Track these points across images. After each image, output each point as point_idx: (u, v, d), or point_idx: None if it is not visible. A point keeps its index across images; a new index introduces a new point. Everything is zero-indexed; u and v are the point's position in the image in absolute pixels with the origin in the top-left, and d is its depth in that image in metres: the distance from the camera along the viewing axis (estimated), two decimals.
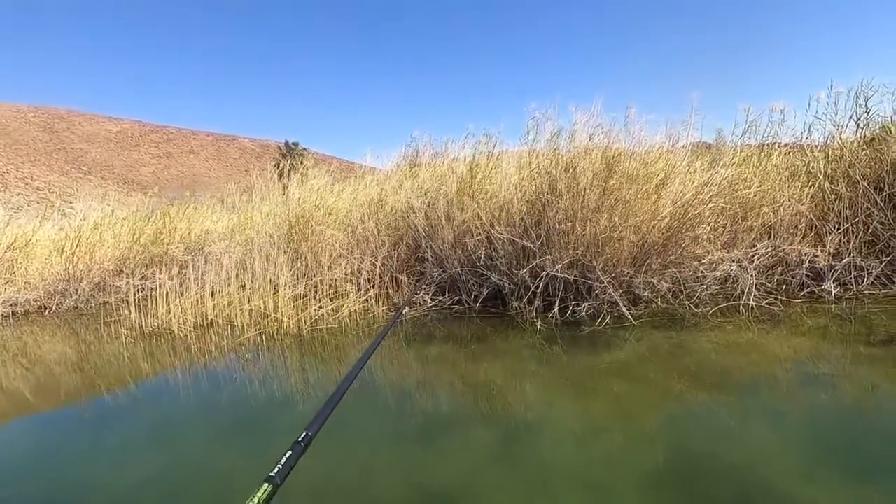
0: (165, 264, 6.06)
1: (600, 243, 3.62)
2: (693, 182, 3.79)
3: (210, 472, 1.86)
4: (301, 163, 6.07)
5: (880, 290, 3.65)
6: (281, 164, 6.54)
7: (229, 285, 4.26)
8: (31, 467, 2.04)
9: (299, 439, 0.89)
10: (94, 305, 5.87)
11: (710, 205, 3.76)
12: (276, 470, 0.80)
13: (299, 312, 3.93)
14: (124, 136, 41.66)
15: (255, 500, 0.72)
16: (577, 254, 3.64)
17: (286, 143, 28.96)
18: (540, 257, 3.69)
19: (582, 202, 3.65)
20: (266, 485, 0.76)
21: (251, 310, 4.04)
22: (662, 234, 3.63)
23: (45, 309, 5.78)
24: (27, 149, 32.37)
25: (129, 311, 4.32)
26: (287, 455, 0.83)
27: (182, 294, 4.29)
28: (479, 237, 4.13)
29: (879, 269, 3.71)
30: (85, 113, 43.39)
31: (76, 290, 5.96)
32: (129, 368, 3.40)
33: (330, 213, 4.92)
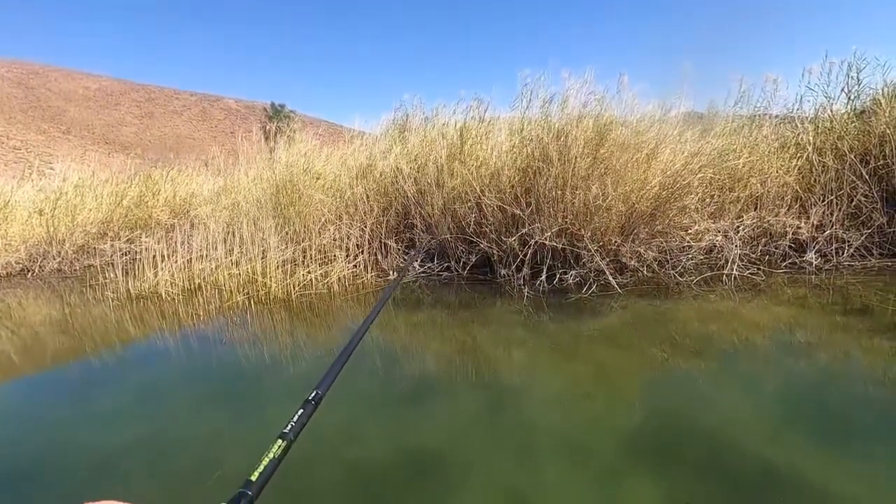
0: (151, 228, 5.98)
1: (589, 212, 3.63)
2: (683, 152, 3.79)
3: (198, 433, 1.88)
4: (288, 125, 5.93)
5: (859, 261, 3.74)
6: (267, 127, 6.40)
7: (216, 249, 4.22)
8: (18, 428, 2.05)
9: (310, 398, 0.93)
10: (79, 268, 5.80)
11: (699, 175, 3.77)
12: (290, 427, 0.84)
13: (288, 277, 3.92)
14: (104, 93, 40.22)
15: (270, 455, 0.76)
16: (566, 222, 3.65)
17: (273, 105, 28.25)
18: (529, 225, 3.69)
19: (572, 170, 3.64)
20: (280, 441, 0.80)
21: (239, 274, 4.02)
22: (651, 203, 3.65)
23: (28, 271, 5.70)
24: (1, 106, 31.16)
25: (115, 275, 4.28)
26: (299, 413, 0.88)
27: (168, 258, 4.25)
28: (468, 204, 4.12)
29: (860, 241, 3.78)
30: (61, 69, 41.68)
31: (59, 253, 5.87)
32: (116, 331, 3.39)
33: (318, 178, 4.85)
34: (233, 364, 2.64)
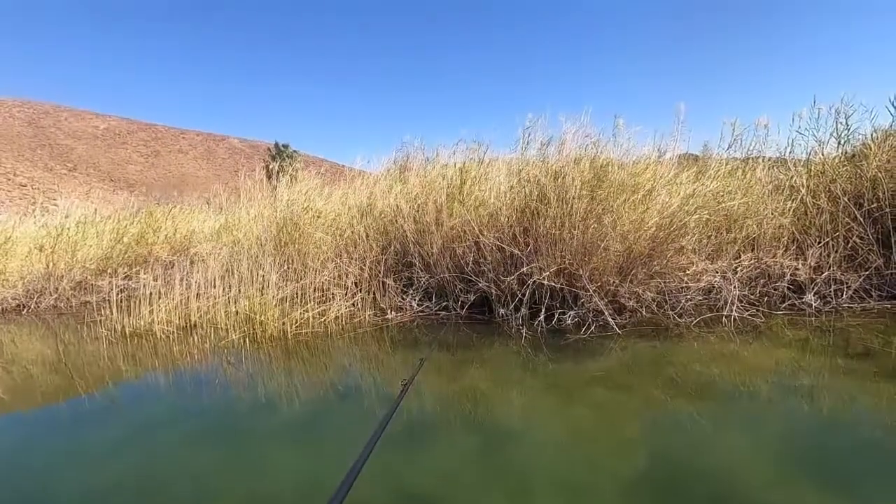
0: (150, 264, 5.98)
1: (587, 252, 3.64)
2: (679, 193, 3.84)
3: (186, 476, 1.83)
4: (291, 165, 6.04)
5: (858, 303, 3.73)
6: (270, 166, 6.51)
7: (214, 287, 4.21)
8: (5, 467, 1.99)
9: None
10: (75, 305, 5.77)
11: (695, 216, 3.81)
12: None
13: (285, 315, 3.89)
14: (111, 133, 41.14)
15: None
16: (564, 262, 3.66)
17: (276, 145, 28.78)
18: (527, 265, 3.70)
19: (570, 211, 3.68)
20: None
21: (236, 312, 3.99)
22: (648, 243, 3.67)
23: (24, 308, 5.66)
24: (11, 144, 31.81)
25: (111, 312, 4.24)
26: None
27: (165, 295, 4.23)
28: (467, 243, 4.14)
29: (858, 283, 3.78)
30: (71, 108, 42.80)
31: (56, 289, 5.85)
32: (109, 370, 3.33)
33: (318, 216, 4.90)
34: (226, 404, 2.59)
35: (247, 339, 3.70)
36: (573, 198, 3.69)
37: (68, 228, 6.44)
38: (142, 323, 4.08)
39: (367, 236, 4.71)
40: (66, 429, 2.42)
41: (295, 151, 27.78)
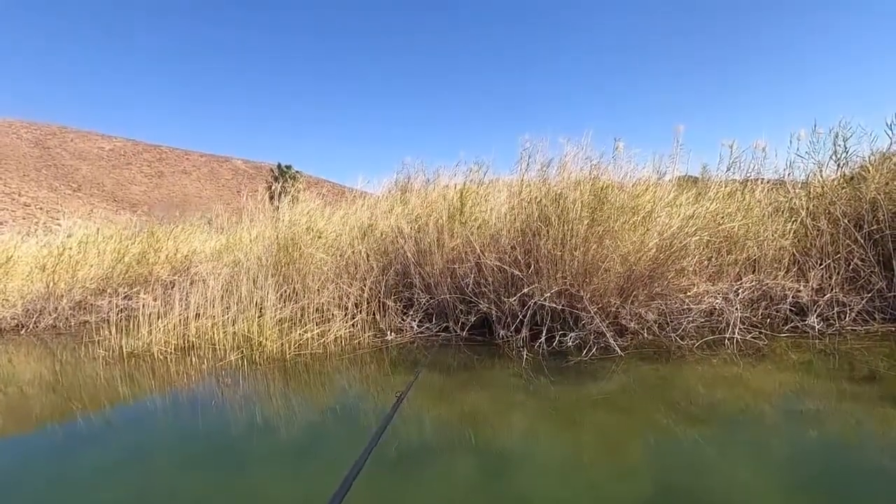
0: (150, 284, 5.98)
1: (588, 273, 3.63)
2: (679, 215, 3.85)
3: (183, 498, 1.80)
4: (293, 185, 6.08)
5: (862, 325, 3.69)
6: (273, 187, 6.56)
7: (214, 307, 4.19)
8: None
9: None
10: (74, 325, 5.74)
11: (696, 237, 3.81)
12: None
13: (283, 336, 3.86)
14: (117, 154, 41.61)
15: None
16: (566, 283, 3.65)
17: (279, 166, 29.03)
18: (528, 286, 3.69)
19: (571, 232, 3.69)
20: None
21: (235, 333, 3.97)
22: (649, 265, 3.66)
23: (23, 327, 5.63)
24: (17, 164, 32.17)
25: (110, 332, 4.22)
26: None
27: (165, 315, 4.21)
28: (468, 264, 4.14)
29: (861, 305, 3.76)
30: (78, 130, 43.39)
31: (55, 309, 5.83)
32: (105, 391, 3.30)
33: (319, 237, 4.91)
34: (223, 426, 2.55)
35: (245, 360, 3.67)
36: (574, 219, 3.70)
37: (70, 248, 6.45)
38: (140, 343, 4.05)
39: (368, 257, 4.71)
40: (62, 450, 2.38)
41: (297, 172, 27.98)
